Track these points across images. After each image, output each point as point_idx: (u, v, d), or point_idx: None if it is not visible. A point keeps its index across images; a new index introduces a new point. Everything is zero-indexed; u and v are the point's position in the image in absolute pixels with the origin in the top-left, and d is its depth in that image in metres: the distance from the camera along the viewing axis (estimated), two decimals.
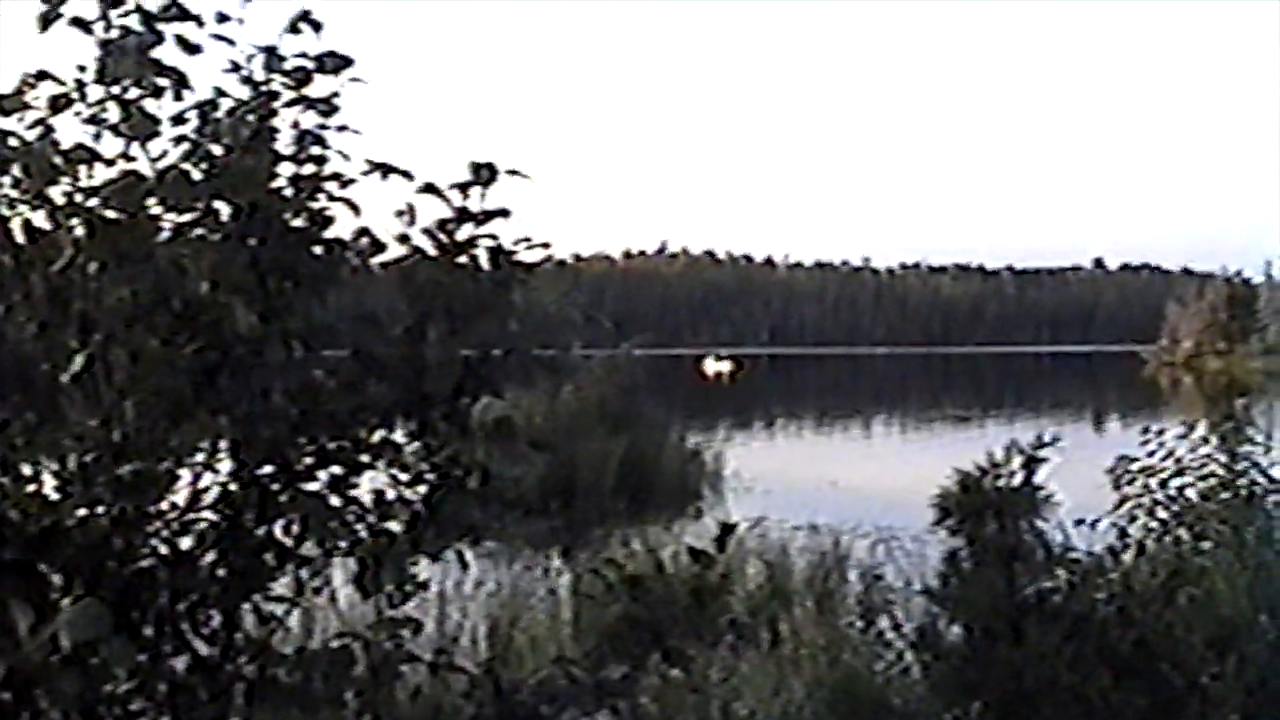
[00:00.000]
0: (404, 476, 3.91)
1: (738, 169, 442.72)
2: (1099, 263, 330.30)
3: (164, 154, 3.66)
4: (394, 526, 3.86)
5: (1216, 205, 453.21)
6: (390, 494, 3.91)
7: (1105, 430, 53.37)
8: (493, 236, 4.02)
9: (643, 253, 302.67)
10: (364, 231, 3.91)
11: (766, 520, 17.62)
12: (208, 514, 3.70)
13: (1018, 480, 7.42)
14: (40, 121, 3.65)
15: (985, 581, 6.91)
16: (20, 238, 3.57)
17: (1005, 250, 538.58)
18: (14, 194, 3.60)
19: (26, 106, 3.64)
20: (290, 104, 3.90)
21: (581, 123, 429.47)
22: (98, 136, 3.63)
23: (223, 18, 3.83)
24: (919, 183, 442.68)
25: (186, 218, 3.66)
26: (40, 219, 3.58)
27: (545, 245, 4.09)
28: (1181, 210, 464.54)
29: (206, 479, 3.74)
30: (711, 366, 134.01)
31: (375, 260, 3.97)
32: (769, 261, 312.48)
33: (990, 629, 6.96)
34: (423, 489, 3.91)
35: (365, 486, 3.93)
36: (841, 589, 14.39)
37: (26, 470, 3.53)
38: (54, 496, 3.49)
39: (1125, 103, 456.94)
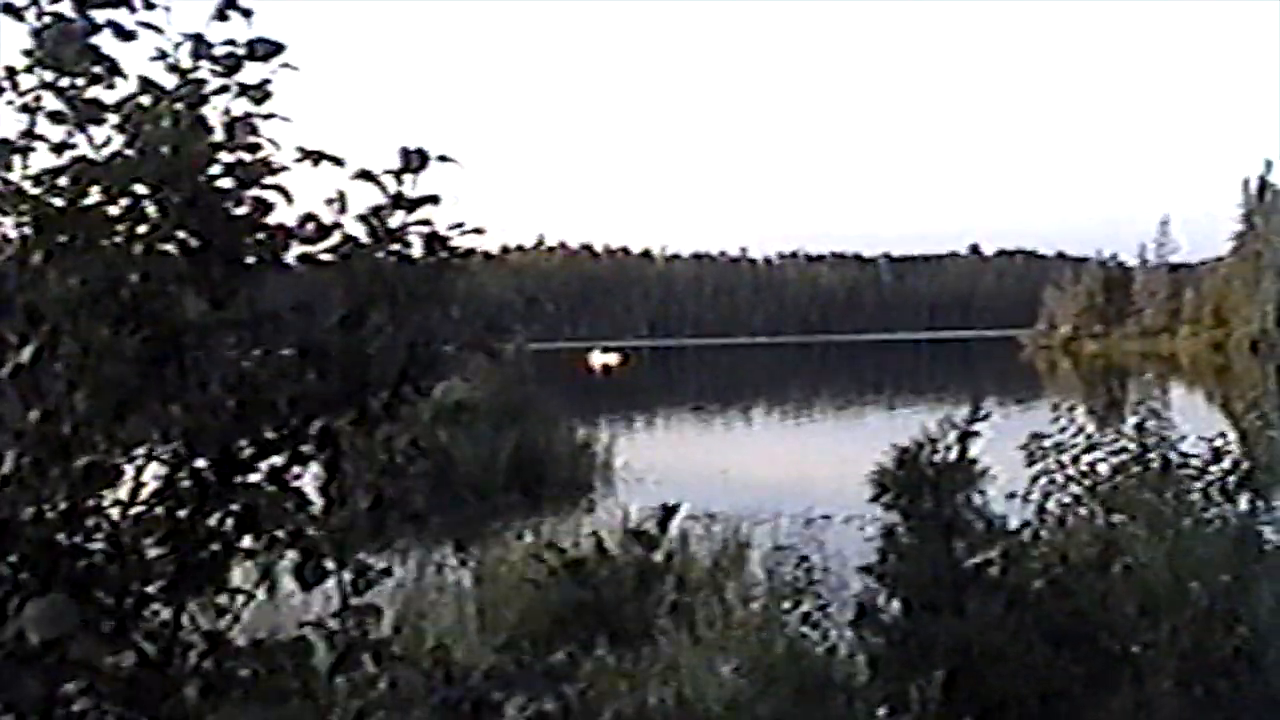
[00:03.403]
0: (346, 466, 3.87)
1: (614, 161, 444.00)
2: (975, 249, 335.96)
3: (109, 141, 3.58)
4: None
5: (1090, 190, 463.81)
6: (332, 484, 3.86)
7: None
8: (426, 223, 4.00)
9: (520, 247, 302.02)
10: (310, 217, 3.85)
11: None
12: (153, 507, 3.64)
13: (953, 455, 7.53)
14: None
15: (925, 555, 6.99)
16: None
17: (882, 238, 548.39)
18: None
19: None
20: (219, 91, 3.83)
21: (454, 117, 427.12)
22: (32, 125, 3.54)
23: (149, 4, 3.75)
24: (795, 172, 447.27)
25: (121, 206, 3.59)
26: None
27: (480, 231, 4.08)
28: (1056, 196, 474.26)
29: (149, 472, 3.67)
30: (599, 359, 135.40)
31: (312, 249, 3.92)
32: (646, 254, 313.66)
33: (931, 602, 7.05)
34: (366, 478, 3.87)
35: (307, 477, 3.89)
36: (744, 575, 14.51)
37: None
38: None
39: (997, 89, 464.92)
